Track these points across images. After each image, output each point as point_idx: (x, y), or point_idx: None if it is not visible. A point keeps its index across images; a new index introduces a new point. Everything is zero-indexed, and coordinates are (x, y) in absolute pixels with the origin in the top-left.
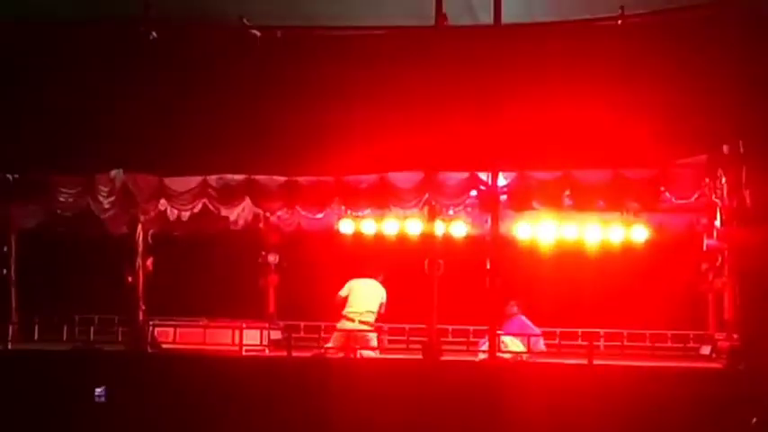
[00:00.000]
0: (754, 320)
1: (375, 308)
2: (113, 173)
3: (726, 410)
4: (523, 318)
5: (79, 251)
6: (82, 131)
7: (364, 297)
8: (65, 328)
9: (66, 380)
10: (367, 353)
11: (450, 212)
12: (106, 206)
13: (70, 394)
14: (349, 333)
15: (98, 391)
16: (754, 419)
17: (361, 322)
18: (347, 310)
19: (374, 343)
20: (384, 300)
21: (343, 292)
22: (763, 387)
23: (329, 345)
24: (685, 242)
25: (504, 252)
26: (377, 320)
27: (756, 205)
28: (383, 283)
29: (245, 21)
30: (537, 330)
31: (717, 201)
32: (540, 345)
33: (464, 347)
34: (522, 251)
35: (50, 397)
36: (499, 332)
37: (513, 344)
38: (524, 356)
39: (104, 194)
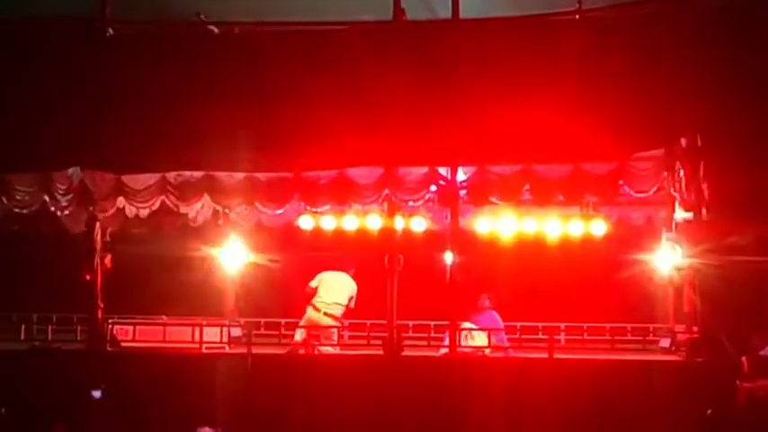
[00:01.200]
0: (712, 313)
1: (344, 301)
2: (71, 170)
3: (685, 402)
4: (494, 312)
5: (36, 249)
6: (38, 129)
7: (333, 289)
8: (22, 328)
9: (24, 379)
10: (325, 348)
11: (411, 204)
12: (64, 204)
13: (28, 394)
14: (312, 325)
15: (95, 392)
16: (709, 411)
17: (327, 314)
18: (315, 300)
19: (335, 338)
20: (354, 294)
21: (313, 283)
22: (721, 379)
23: (296, 338)
24: (644, 235)
25: (464, 247)
26: (345, 315)
27: (714, 198)
28: (354, 278)
29: (201, 17)
30: (502, 325)
31: (675, 194)
32: (504, 340)
33: (425, 343)
34: (483, 246)
35: (8, 397)
36: (467, 325)
37: (479, 338)
38: (486, 351)
39: (62, 192)
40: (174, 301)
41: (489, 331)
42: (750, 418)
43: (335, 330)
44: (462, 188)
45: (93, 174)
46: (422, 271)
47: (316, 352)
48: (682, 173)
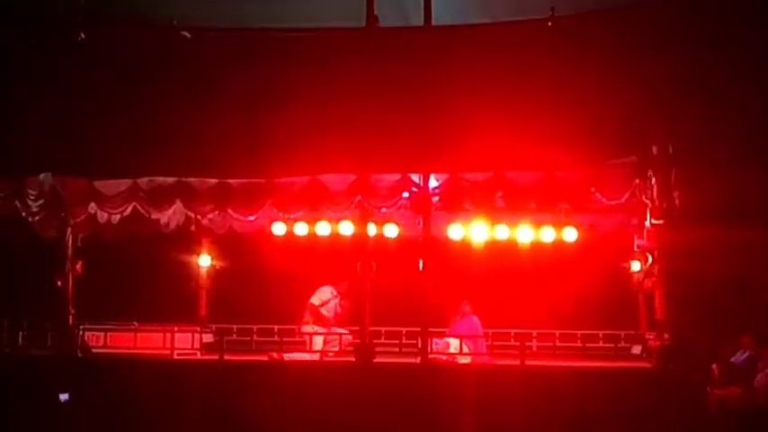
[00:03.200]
0: (683, 320)
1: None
2: (42, 176)
3: (656, 409)
4: (475, 318)
5: (7, 255)
6: (9, 134)
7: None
8: None
9: None
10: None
11: (383, 210)
12: (35, 210)
13: None
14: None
15: (63, 396)
16: None
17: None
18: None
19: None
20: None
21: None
22: (692, 386)
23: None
24: (616, 243)
25: (436, 253)
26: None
27: (685, 206)
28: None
29: (174, 22)
30: (480, 331)
31: (647, 201)
32: (482, 347)
33: (397, 349)
34: (455, 252)
35: None
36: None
37: (453, 346)
38: (459, 358)
39: (33, 198)
40: (145, 307)
41: (462, 339)
42: (720, 425)
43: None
44: (435, 195)
45: (65, 179)
46: (395, 277)
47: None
48: (653, 180)
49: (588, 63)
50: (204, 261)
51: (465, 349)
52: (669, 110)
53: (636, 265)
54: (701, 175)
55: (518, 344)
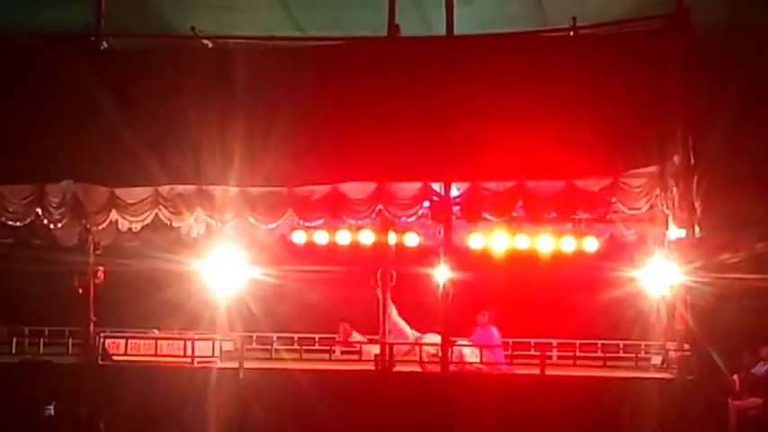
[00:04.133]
0: (704, 331)
1: None
2: (64, 183)
3: (676, 420)
4: (493, 328)
5: (29, 262)
6: (32, 141)
7: None
8: (14, 341)
9: (15, 392)
10: None
11: (404, 219)
12: (56, 217)
13: (19, 407)
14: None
15: (48, 407)
16: None
17: None
18: None
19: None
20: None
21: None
22: (712, 397)
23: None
24: (637, 253)
25: (457, 263)
26: None
27: (707, 215)
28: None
29: (196, 32)
30: (499, 341)
31: (668, 211)
32: (501, 357)
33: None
34: (476, 262)
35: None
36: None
37: (472, 354)
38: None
39: (54, 205)
40: (166, 314)
41: (482, 348)
42: None
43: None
44: (455, 204)
45: (86, 187)
46: (415, 287)
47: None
48: (675, 190)
49: (609, 73)
50: (224, 269)
51: (483, 359)
52: (691, 120)
53: (657, 276)
54: (723, 184)
55: (538, 353)
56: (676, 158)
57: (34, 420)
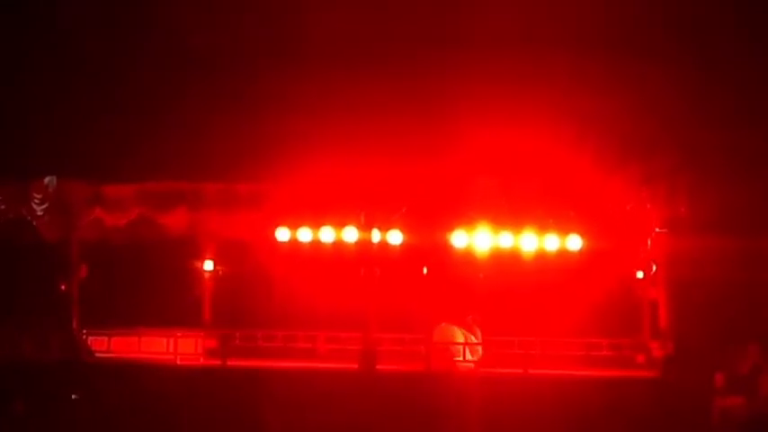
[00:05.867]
0: (688, 329)
1: None
2: (47, 179)
3: (660, 418)
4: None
5: (12, 259)
6: (15, 137)
7: None
8: None
9: None
10: None
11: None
12: (39, 213)
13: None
14: None
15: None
16: None
17: None
18: None
19: None
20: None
21: None
22: (696, 396)
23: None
24: (621, 251)
25: (440, 261)
26: None
27: (690, 214)
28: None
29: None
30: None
31: (651, 210)
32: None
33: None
34: (459, 260)
35: None
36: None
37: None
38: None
39: (38, 201)
40: (149, 311)
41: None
42: None
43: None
44: (439, 202)
45: (70, 183)
46: (398, 284)
47: None
48: (659, 189)
49: (595, 72)
50: (209, 266)
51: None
52: (675, 119)
53: (640, 274)
54: (708, 182)
55: (521, 352)
56: (660, 157)
57: (16, 417)
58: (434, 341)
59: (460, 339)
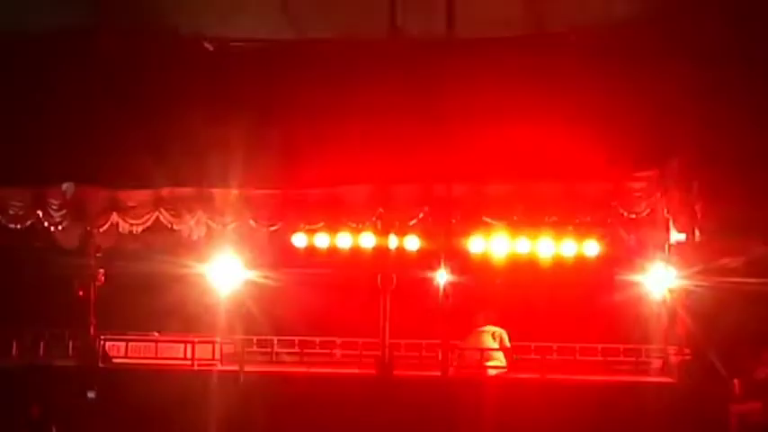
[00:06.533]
0: (705, 335)
1: None
2: (64, 186)
3: (677, 424)
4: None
5: (29, 265)
6: (32, 144)
7: None
8: (14, 344)
9: (15, 395)
10: None
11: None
12: (57, 219)
13: (18, 410)
14: None
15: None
16: None
17: None
18: None
19: None
20: None
21: None
22: (713, 402)
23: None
24: (637, 256)
25: (457, 266)
26: None
27: (707, 219)
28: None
29: (197, 34)
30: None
31: (668, 215)
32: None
33: (417, 362)
34: (476, 265)
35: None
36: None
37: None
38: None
39: (55, 207)
40: (166, 317)
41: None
42: None
43: None
44: (455, 207)
45: (87, 189)
46: (415, 290)
47: None
48: (675, 194)
49: (609, 76)
50: (225, 272)
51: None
52: (691, 123)
53: (657, 280)
54: (723, 187)
55: (538, 357)
56: (676, 162)
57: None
58: (467, 347)
59: (493, 344)
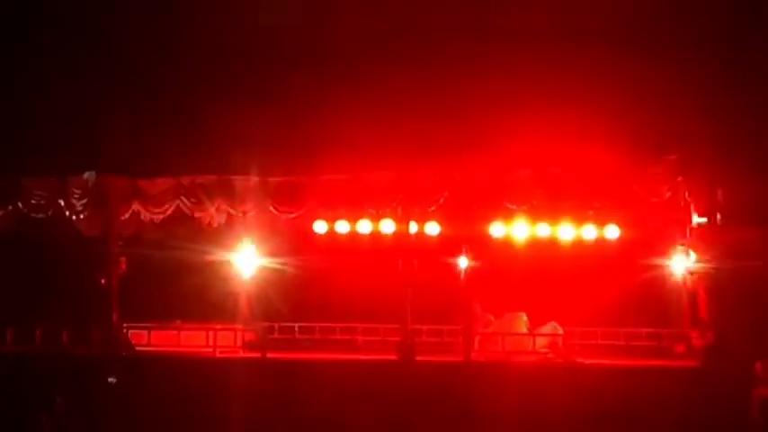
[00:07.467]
0: (727, 319)
1: None
2: (86, 175)
3: (699, 408)
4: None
5: (52, 254)
6: (54, 133)
7: None
8: (38, 332)
9: (38, 382)
10: None
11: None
12: (79, 208)
13: (43, 397)
14: None
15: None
16: None
17: None
18: None
19: None
20: None
21: None
22: (736, 385)
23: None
24: (659, 240)
25: (478, 251)
26: None
27: (729, 203)
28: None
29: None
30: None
31: (689, 199)
32: None
33: (438, 347)
34: (497, 250)
35: (21, 400)
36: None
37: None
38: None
39: (77, 196)
40: (188, 305)
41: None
42: (763, 424)
43: None
44: (476, 193)
45: (109, 178)
46: (436, 275)
47: None
48: (697, 178)
49: (629, 65)
50: (246, 259)
51: None
52: (712, 108)
53: (679, 264)
54: (745, 171)
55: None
56: (698, 146)
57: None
58: (501, 331)
59: (524, 329)
